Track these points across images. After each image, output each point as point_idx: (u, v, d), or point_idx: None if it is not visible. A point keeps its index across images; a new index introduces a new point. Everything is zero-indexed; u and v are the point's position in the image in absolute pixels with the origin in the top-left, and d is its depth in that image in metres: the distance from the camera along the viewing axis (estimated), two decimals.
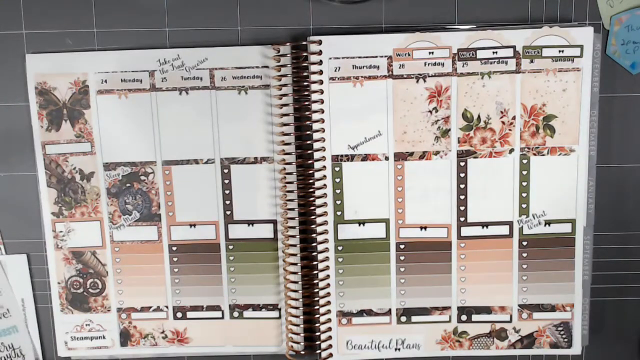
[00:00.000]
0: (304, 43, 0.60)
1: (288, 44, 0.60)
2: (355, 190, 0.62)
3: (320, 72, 0.60)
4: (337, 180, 0.62)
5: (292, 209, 0.62)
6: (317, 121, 0.61)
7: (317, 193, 0.62)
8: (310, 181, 0.62)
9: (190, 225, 0.64)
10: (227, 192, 0.63)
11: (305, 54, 0.60)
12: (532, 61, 0.60)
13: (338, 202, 0.62)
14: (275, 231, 0.63)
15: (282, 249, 0.63)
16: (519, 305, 0.64)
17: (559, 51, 0.59)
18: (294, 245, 0.63)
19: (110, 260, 0.65)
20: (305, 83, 0.60)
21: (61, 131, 0.63)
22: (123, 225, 0.64)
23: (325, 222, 0.62)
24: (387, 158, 0.61)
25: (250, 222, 0.63)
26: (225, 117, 0.62)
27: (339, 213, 0.62)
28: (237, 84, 0.61)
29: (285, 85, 0.61)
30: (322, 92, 0.60)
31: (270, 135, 0.62)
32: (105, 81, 0.62)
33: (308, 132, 0.61)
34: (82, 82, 0.62)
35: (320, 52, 0.60)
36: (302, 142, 0.61)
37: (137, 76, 0.61)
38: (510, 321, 0.64)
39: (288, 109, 0.61)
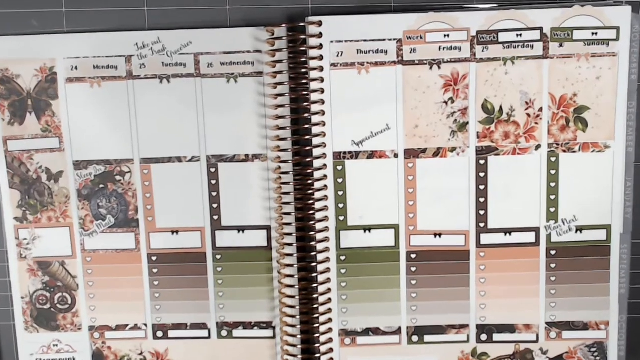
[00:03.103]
0: (302, 24, 0.57)
1: (284, 25, 0.57)
2: (360, 192, 0.59)
3: (321, 58, 0.57)
4: (340, 180, 0.59)
5: (289, 214, 0.59)
6: (316, 113, 0.58)
7: (317, 195, 0.59)
8: (309, 182, 0.59)
9: (173, 232, 0.60)
10: (214, 194, 0.59)
11: (303, 37, 0.57)
12: (561, 45, 0.57)
13: (340, 206, 0.59)
14: (269, 239, 0.60)
15: (277, 259, 0.60)
16: (547, 323, 0.61)
17: (592, 33, 0.57)
18: (291, 255, 0.60)
19: (81, 271, 0.62)
20: (304, 70, 0.57)
21: (25, 125, 0.59)
22: (96, 231, 0.60)
23: (326, 229, 0.59)
24: (396, 155, 0.58)
25: (241, 229, 0.60)
26: (212, 108, 0.59)
27: (341, 218, 0.59)
28: (226, 71, 0.58)
29: (280, 72, 0.58)
30: (322, 80, 0.58)
31: (264, 129, 0.59)
32: (76, 68, 0.58)
33: (307, 126, 0.58)
34: (49, 68, 0.58)
35: (320, 35, 0.57)
36: (299, 137, 0.58)
37: (111, 62, 0.58)
38: (537, 341, 0.61)
39: (284, 100, 0.58)
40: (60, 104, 0.59)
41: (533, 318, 0.61)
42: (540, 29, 0.57)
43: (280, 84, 0.57)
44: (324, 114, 0.57)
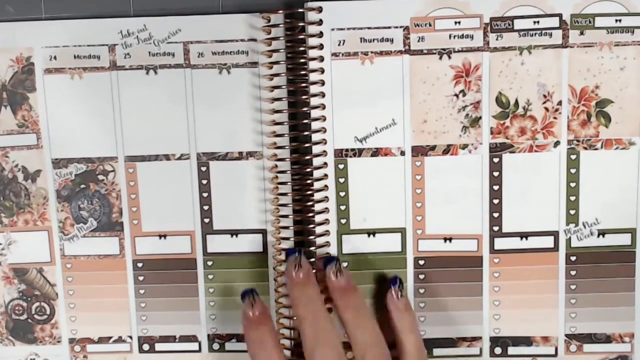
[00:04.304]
0: (301, 10, 0.54)
1: (281, 11, 0.54)
2: (363, 192, 0.56)
3: (321, 47, 0.54)
4: (342, 180, 0.55)
5: (286, 216, 0.55)
6: (316, 107, 0.54)
7: (317, 196, 0.55)
8: (308, 181, 0.55)
9: (160, 236, 0.57)
10: (205, 195, 0.56)
11: (302, 24, 0.54)
12: (582, 33, 0.54)
13: (342, 208, 0.56)
14: (265, 243, 0.56)
15: (273, 266, 0.56)
16: (566, 335, 0.57)
17: (616, 20, 0.53)
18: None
19: (60, 279, 0.58)
20: (303, 60, 0.54)
21: (0, 119, 0.54)
22: (76, 236, 0.57)
23: (326, 232, 0.56)
24: (403, 153, 0.55)
25: (234, 233, 0.56)
26: (203, 101, 0.55)
27: (343, 221, 0.56)
28: (218, 61, 0.55)
29: (277, 62, 0.54)
30: (322, 71, 0.54)
31: (259, 124, 0.55)
32: (55, 57, 0.55)
33: (306, 121, 0.55)
34: (25, 58, 0.55)
35: (320, 22, 0.54)
36: (298, 133, 0.55)
37: (94, 51, 0.55)
38: (556, 355, 0.58)
39: (281, 92, 0.54)
40: (38, 97, 0.55)
41: (551, 330, 0.57)
42: (560, 15, 0.53)
43: (277, 75, 0.54)
44: (324, 108, 0.54)
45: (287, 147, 0.54)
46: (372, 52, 0.54)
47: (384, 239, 0.56)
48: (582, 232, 0.56)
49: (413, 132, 0.55)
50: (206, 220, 0.56)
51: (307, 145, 0.54)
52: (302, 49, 0.53)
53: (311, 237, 0.55)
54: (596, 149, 0.55)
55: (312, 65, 0.53)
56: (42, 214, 0.57)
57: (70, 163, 0.56)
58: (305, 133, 0.54)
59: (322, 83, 0.54)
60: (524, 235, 0.56)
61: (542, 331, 0.58)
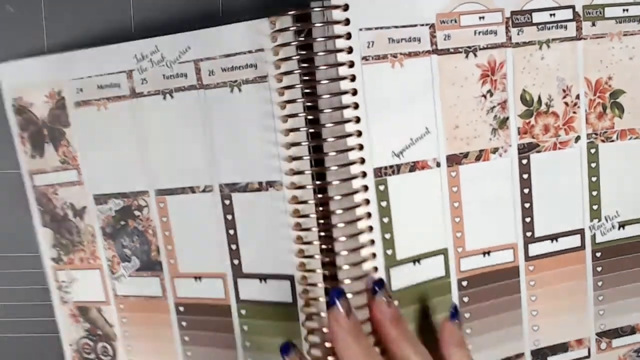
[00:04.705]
0: (319, 9, 0.45)
1: (293, 11, 0.44)
2: (405, 214, 0.48)
3: (350, 50, 0.45)
4: (383, 204, 0.47)
5: (312, 257, 0.46)
6: (347, 121, 0.45)
7: (359, 226, 0.46)
8: (338, 210, 0.46)
9: (196, 278, 0.52)
10: (231, 232, 0.49)
11: (320, 24, 0.45)
12: (594, 24, 0.51)
13: (387, 236, 0.48)
14: (294, 291, 0.47)
15: (301, 322, 0.48)
16: (597, 334, 0.55)
17: (623, 10, 0.51)
18: (318, 315, 0.47)
19: (117, 319, 0.57)
20: (324, 67, 0.45)
21: (46, 157, 0.55)
22: (123, 275, 0.54)
23: (373, 270, 0.47)
24: (438, 164, 0.49)
25: (263, 277, 0.49)
26: (218, 124, 0.49)
27: (389, 252, 0.48)
28: (228, 78, 0.48)
29: (290, 72, 0.45)
30: (352, 78, 0.45)
31: (275, 147, 0.46)
32: (81, 90, 0.52)
33: (330, 139, 0.45)
34: (57, 93, 0.53)
35: (347, 22, 0.45)
36: (319, 155, 0.45)
37: (114, 79, 0.51)
38: (589, 356, 0.55)
39: (295, 107, 0.46)
40: (73, 131, 0.53)
41: (584, 331, 0.54)
42: (573, 7, 0.50)
43: (290, 87, 0.45)
44: (358, 121, 0.45)
45: (307, 172, 0.46)
46: (401, 54, 0.46)
47: (429, 264, 0.49)
48: (605, 226, 0.53)
49: (446, 140, 0.48)
50: (235, 262, 0.50)
51: (334, 167, 0.45)
52: (320, 53, 0.45)
53: (348, 280, 0.45)
54: (612, 140, 0.52)
55: (341, 71, 0.45)
56: (93, 252, 0.55)
57: (109, 199, 0.53)
58: (332, 153, 0.45)
59: (354, 92, 0.44)
60: (554, 238, 0.52)
61: (576, 334, 0.54)
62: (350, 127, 0.45)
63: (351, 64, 0.45)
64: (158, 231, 0.52)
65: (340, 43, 0.45)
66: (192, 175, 0.50)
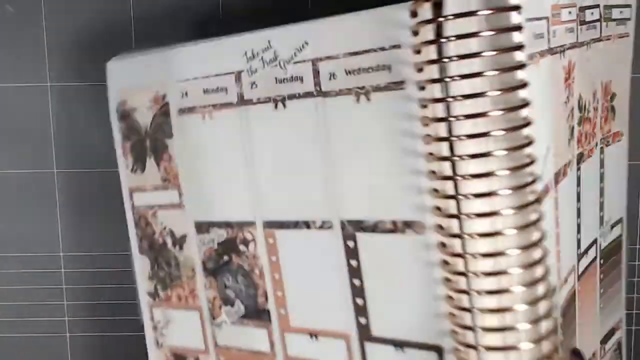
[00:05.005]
0: None
1: None
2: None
3: (520, 47, 0.32)
4: None
5: (470, 328, 0.33)
6: (527, 145, 0.34)
7: (537, 273, 0.34)
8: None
9: (311, 335, 0.40)
10: (356, 282, 0.37)
11: (483, 12, 0.32)
12: (607, 25, 0.46)
13: None
14: None
15: None
16: (599, 342, 0.50)
17: (620, 12, 0.48)
18: None
19: None
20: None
21: (146, 172, 0.46)
22: (226, 321, 0.44)
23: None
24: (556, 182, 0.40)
25: (399, 344, 0.36)
26: (341, 144, 0.38)
27: None
28: (354, 84, 0.36)
29: (439, 80, 0.32)
30: (524, 84, 0.32)
31: (415, 177, 0.34)
32: (186, 94, 0.43)
33: None
34: (162, 97, 0.43)
35: (516, 8, 0.32)
36: None
37: (220, 82, 0.41)
38: None
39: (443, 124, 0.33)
40: (175, 144, 0.45)
41: (594, 341, 0.48)
42: (598, 6, 0.45)
43: (440, 100, 0.33)
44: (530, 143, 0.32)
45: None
46: (538, 53, 0.36)
47: None
48: (605, 232, 0.50)
49: (554, 157, 0.38)
50: (362, 321, 0.38)
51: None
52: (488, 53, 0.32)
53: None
54: (609, 144, 0.49)
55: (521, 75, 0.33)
56: (192, 290, 0.46)
57: (212, 228, 0.44)
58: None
59: (525, 104, 0.32)
60: (585, 252, 0.46)
61: (591, 349, 0.48)
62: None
63: (520, 66, 0.33)
64: (266, 273, 0.42)
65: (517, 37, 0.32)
66: (306, 205, 0.40)
